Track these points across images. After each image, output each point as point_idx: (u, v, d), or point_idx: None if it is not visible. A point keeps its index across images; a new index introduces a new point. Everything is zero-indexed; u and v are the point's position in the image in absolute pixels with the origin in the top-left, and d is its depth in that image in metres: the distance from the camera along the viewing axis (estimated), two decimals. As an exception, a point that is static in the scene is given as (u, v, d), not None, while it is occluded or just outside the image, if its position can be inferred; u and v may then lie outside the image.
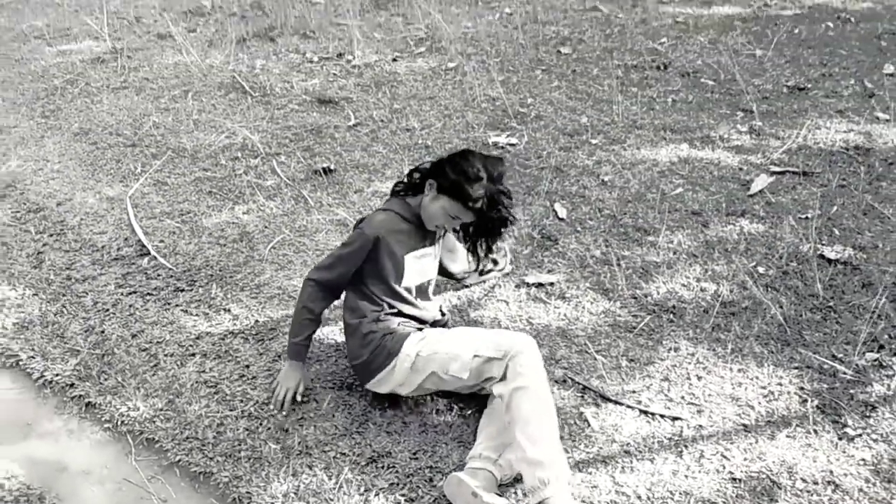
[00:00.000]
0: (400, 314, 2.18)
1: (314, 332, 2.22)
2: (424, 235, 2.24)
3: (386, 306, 2.16)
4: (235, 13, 5.61)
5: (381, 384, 2.12)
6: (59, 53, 5.03)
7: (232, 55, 4.81)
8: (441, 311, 2.32)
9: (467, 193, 2.09)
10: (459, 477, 1.83)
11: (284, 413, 2.15)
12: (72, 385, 2.30)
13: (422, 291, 2.26)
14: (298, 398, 2.17)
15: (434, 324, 2.28)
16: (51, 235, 3.07)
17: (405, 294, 2.19)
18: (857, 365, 2.26)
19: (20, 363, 2.40)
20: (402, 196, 2.26)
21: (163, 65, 4.74)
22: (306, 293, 2.16)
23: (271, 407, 2.17)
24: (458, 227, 2.24)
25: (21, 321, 2.57)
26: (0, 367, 2.41)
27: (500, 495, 1.88)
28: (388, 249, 2.14)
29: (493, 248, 2.32)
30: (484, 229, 2.21)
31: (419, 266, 2.22)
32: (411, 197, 2.24)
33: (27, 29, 5.49)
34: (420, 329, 2.19)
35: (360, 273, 2.16)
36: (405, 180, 2.27)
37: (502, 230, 2.22)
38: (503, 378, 1.94)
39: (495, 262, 2.52)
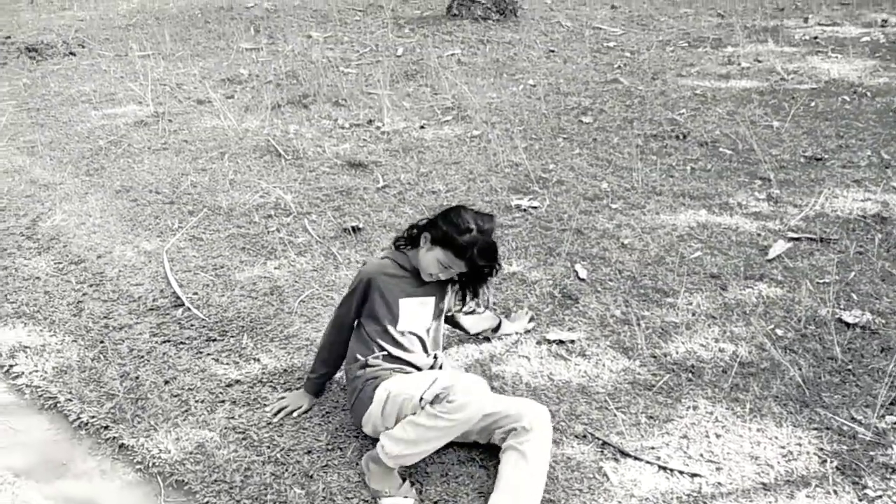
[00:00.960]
0: (390, 357, 2.27)
1: (328, 373, 2.43)
2: (421, 284, 2.35)
3: (376, 349, 2.27)
4: (271, 81, 5.88)
5: (367, 426, 2.22)
6: (104, 116, 5.30)
7: (267, 120, 5.04)
8: (435, 357, 2.40)
9: (458, 243, 2.23)
10: None
11: (276, 419, 2.37)
12: (106, 427, 2.38)
13: (420, 341, 2.34)
14: (295, 415, 2.38)
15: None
16: (90, 286, 3.21)
17: (399, 338, 2.29)
18: (876, 427, 2.28)
19: (58, 405, 2.49)
20: (401, 249, 2.41)
21: (201, 128, 4.97)
22: (324, 332, 2.42)
23: (266, 409, 2.42)
24: (454, 277, 2.34)
25: (60, 366, 2.68)
26: (39, 408, 2.50)
27: None
28: (380, 291, 2.29)
29: (480, 292, 2.42)
30: (473, 277, 2.33)
31: (417, 311, 2.32)
32: (410, 250, 2.38)
33: (75, 94, 5.80)
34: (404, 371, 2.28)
35: (360, 315, 2.33)
36: (405, 235, 2.42)
37: (490, 277, 2.34)
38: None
39: (478, 305, 2.59)
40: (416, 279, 2.35)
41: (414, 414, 2.03)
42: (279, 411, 2.40)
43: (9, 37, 7.43)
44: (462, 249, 2.22)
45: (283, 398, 2.45)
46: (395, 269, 2.35)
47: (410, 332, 2.32)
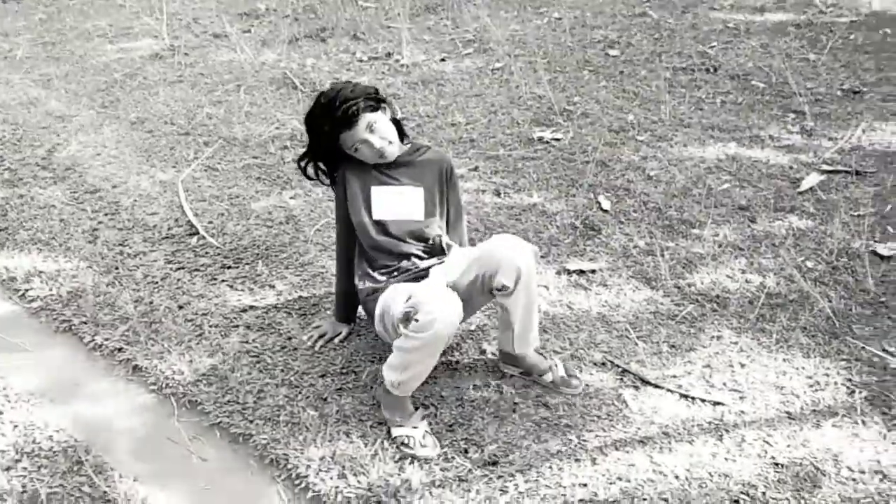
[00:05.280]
0: (381, 266, 2.14)
1: (347, 292, 2.28)
2: (398, 175, 2.16)
3: (367, 259, 2.16)
4: (288, 15, 5.74)
5: (382, 337, 2.14)
6: (120, 50, 5.21)
7: (284, 54, 4.93)
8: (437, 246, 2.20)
9: (317, 127, 2.06)
10: None
11: (317, 347, 2.34)
12: (120, 349, 2.37)
13: (416, 237, 2.18)
14: (336, 341, 2.35)
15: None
16: (106, 214, 3.17)
17: (381, 236, 2.13)
18: (909, 359, 2.19)
19: (72, 328, 2.48)
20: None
21: (217, 62, 4.88)
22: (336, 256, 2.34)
23: (304, 339, 2.37)
24: (377, 145, 2.07)
25: (75, 290, 2.66)
26: (53, 331, 2.50)
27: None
28: (355, 181, 2.15)
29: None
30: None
31: (392, 200, 2.14)
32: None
33: (91, 28, 5.71)
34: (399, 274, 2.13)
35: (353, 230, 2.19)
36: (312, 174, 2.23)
37: (376, 100, 2.10)
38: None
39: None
40: (393, 170, 2.16)
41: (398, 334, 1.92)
42: (319, 338, 2.35)
43: (24, -28, 7.31)
44: (317, 126, 2.06)
45: (318, 326, 2.40)
46: (365, 165, 2.16)
47: (399, 231, 2.14)
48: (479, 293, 2.02)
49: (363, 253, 2.19)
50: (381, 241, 2.14)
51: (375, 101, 2.09)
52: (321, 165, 2.20)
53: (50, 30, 5.75)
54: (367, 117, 2.05)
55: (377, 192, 2.14)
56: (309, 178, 2.23)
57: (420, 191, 2.16)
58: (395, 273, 2.13)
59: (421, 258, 2.15)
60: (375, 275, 2.14)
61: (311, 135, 2.13)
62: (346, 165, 2.16)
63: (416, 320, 1.82)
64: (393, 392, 2.00)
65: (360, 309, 2.37)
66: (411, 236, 2.16)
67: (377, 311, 2.05)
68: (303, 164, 2.21)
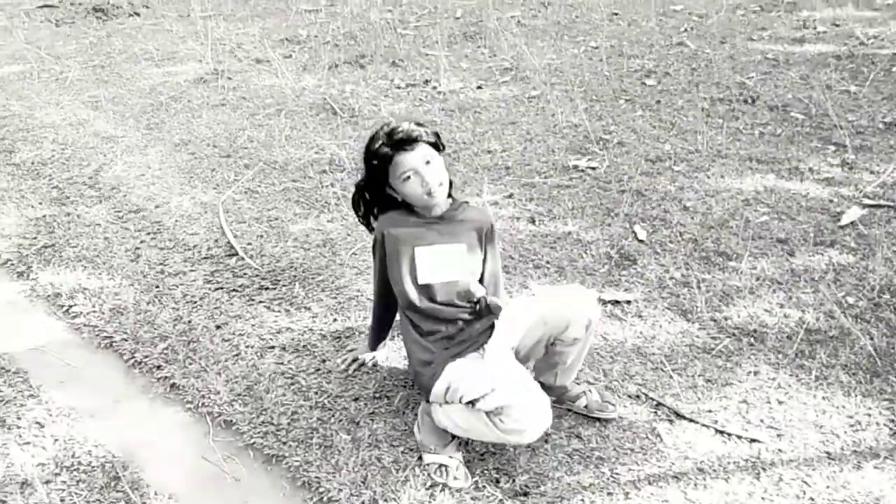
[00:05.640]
0: (428, 325, 2.06)
1: (382, 328, 2.35)
2: (439, 232, 2.06)
3: (413, 319, 2.08)
4: (329, 42, 5.86)
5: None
6: (166, 74, 5.37)
7: (324, 79, 5.02)
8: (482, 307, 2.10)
9: (374, 146, 1.99)
10: None
11: (350, 370, 2.36)
12: (159, 367, 2.41)
13: (460, 297, 2.08)
14: (369, 364, 2.39)
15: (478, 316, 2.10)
16: (148, 234, 3.25)
17: (425, 303, 2.05)
18: (954, 401, 2.14)
19: (113, 344, 2.54)
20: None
21: (259, 86, 4.99)
22: (372, 303, 2.33)
23: (338, 362, 2.40)
24: (429, 180, 1.98)
25: (116, 307, 2.72)
26: (95, 347, 2.56)
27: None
28: (397, 244, 2.05)
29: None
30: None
31: (437, 261, 2.04)
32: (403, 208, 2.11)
33: (139, 52, 5.89)
34: (452, 348, 2.06)
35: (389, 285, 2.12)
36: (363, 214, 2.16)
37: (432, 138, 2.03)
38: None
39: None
40: (433, 227, 2.06)
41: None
42: (353, 362, 2.37)
43: (77, -3, 7.58)
44: (383, 143, 1.97)
45: (352, 350, 2.41)
46: (407, 217, 2.07)
47: (444, 295, 2.05)
48: (542, 347, 2.07)
49: (404, 314, 2.12)
50: (425, 309, 2.05)
51: (437, 140, 2.06)
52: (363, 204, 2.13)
53: (99, 53, 5.94)
54: (426, 149, 2.00)
55: (421, 254, 2.03)
56: (359, 216, 2.16)
57: (463, 247, 2.06)
58: (445, 341, 2.05)
59: (467, 321, 2.07)
60: (424, 342, 2.05)
61: (367, 158, 2.03)
62: (386, 223, 2.07)
63: (503, 421, 1.85)
64: (438, 425, 2.02)
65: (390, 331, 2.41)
66: (457, 298, 2.06)
67: (437, 388, 1.97)
68: (356, 199, 2.14)
